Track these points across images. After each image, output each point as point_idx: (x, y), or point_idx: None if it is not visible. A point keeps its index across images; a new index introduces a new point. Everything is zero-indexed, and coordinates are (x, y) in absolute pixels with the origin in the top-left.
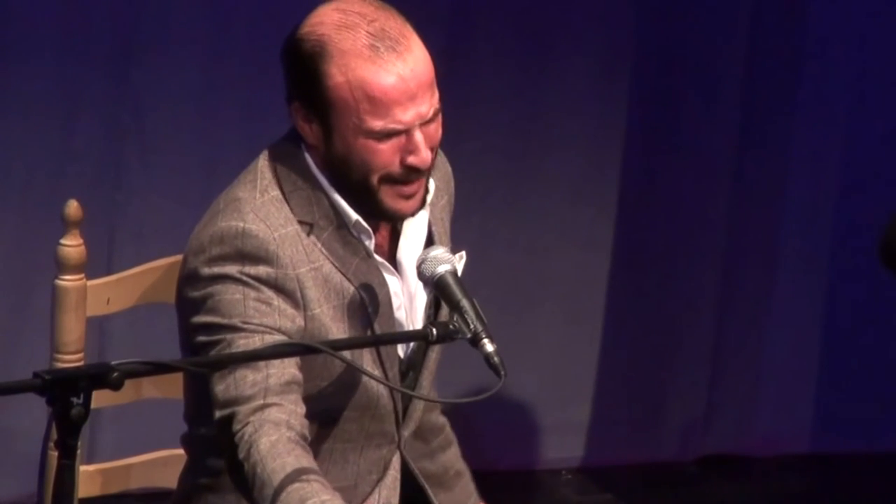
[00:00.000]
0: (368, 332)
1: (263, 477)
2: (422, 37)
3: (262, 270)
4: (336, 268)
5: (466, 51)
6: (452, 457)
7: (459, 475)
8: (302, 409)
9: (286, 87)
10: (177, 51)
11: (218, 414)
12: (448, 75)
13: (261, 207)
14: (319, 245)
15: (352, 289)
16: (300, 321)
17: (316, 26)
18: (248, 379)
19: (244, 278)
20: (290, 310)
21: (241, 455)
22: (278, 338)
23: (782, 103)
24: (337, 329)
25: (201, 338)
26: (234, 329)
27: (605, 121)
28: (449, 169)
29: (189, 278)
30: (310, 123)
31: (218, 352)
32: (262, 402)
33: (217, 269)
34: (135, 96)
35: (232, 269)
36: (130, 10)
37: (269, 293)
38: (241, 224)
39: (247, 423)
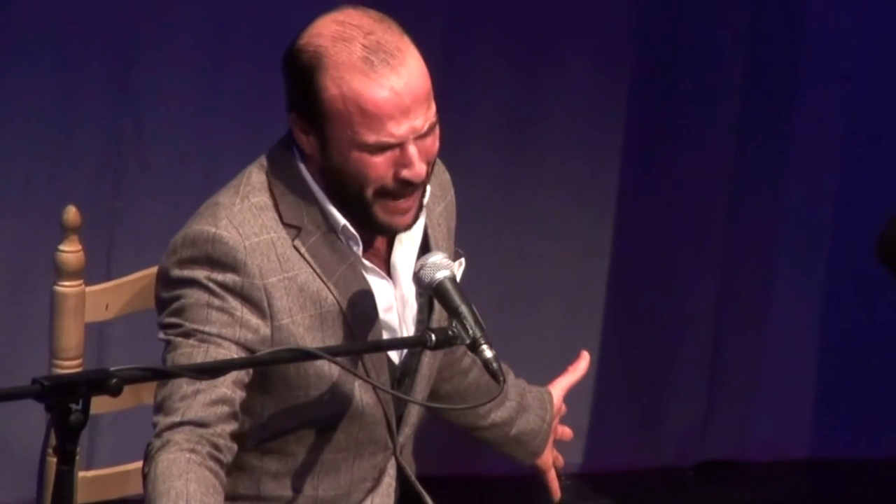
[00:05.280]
0: (349, 341)
1: (152, 497)
2: (420, 39)
3: (229, 278)
4: (317, 275)
5: (465, 54)
6: (512, 398)
7: (522, 399)
8: (225, 428)
9: (286, 96)
10: (176, 58)
11: (152, 417)
12: (446, 79)
13: (237, 214)
14: (303, 251)
15: (331, 297)
16: (265, 331)
17: (314, 37)
18: (181, 390)
19: (210, 285)
20: (254, 320)
21: (145, 470)
22: (225, 351)
23: (780, 106)
24: (312, 338)
25: (161, 335)
26: (186, 334)
27: (604, 123)
28: (447, 177)
29: (160, 277)
30: (307, 135)
31: (167, 353)
32: (179, 418)
33: (186, 272)
34: (134, 103)
35: (200, 273)
36: (130, 17)
37: (233, 302)
38: (213, 229)
39: (159, 436)
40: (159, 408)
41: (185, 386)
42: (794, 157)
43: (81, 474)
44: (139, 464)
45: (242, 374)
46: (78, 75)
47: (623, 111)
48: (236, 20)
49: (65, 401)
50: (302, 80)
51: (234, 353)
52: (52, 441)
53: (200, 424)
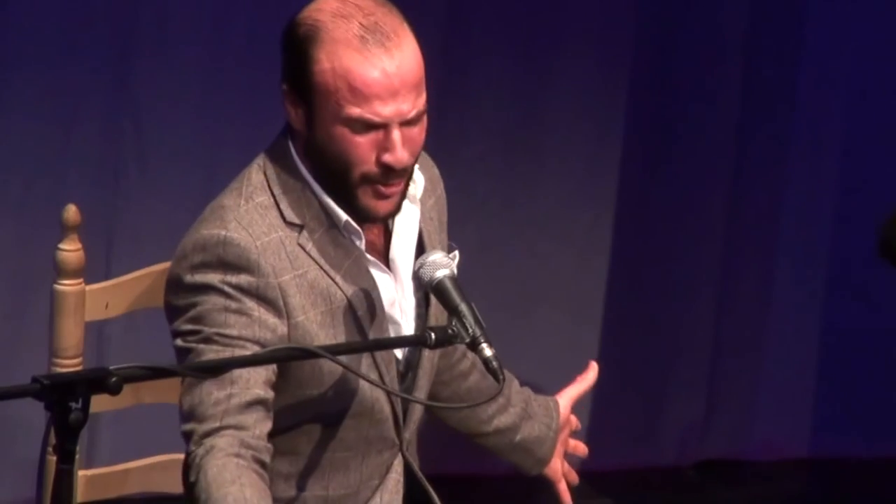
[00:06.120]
0: (360, 337)
1: (212, 502)
2: (419, 39)
3: (243, 279)
4: (324, 272)
5: (464, 54)
6: (516, 404)
7: (527, 406)
8: (263, 430)
9: (281, 68)
10: (176, 55)
11: (181, 426)
12: (446, 79)
13: (244, 215)
14: (309, 248)
15: (339, 293)
16: (283, 330)
17: (314, 12)
18: (211, 396)
19: (226, 288)
20: (271, 319)
21: (192, 478)
22: (250, 353)
23: (781, 104)
24: (325, 335)
25: (179, 342)
26: (208, 340)
27: (604, 123)
28: (436, 171)
29: (172, 284)
30: (296, 107)
31: (190, 360)
32: (218, 424)
33: (199, 278)
34: (134, 101)
35: (214, 278)
36: (129, 15)
37: (250, 303)
38: (224, 232)
39: (200, 444)
40: (191, 415)
41: (214, 391)
42: (794, 157)
43: (81, 473)
44: (139, 462)
45: (270, 374)
46: (78, 74)
47: (623, 111)
48: (236, 19)
49: (64, 399)
50: (297, 52)
51: None
52: (52, 440)
53: (240, 428)
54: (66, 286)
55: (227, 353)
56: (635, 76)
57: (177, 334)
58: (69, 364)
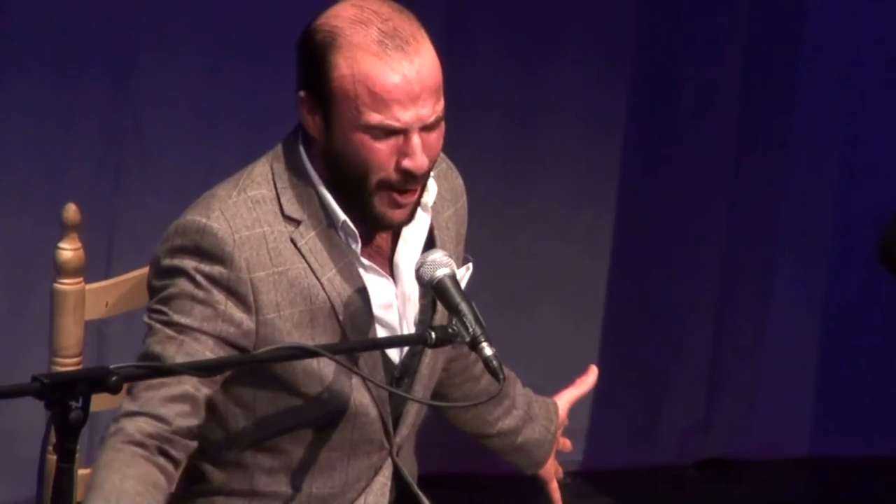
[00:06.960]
0: (340, 339)
1: (91, 486)
2: None
3: (216, 270)
4: (310, 271)
5: (464, 53)
6: (519, 406)
7: (529, 408)
8: (183, 424)
9: (297, 75)
10: (176, 55)
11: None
12: (446, 79)
13: (230, 207)
14: (301, 244)
15: (322, 294)
16: (249, 325)
17: (331, 18)
18: (146, 381)
19: (197, 276)
20: (237, 314)
21: (99, 454)
22: (200, 346)
23: (781, 104)
24: (300, 335)
25: (145, 318)
26: (167, 324)
27: (604, 123)
28: (460, 182)
29: (152, 264)
30: (313, 115)
31: (145, 338)
32: (137, 408)
33: (176, 261)
34: (134, 100)
35: (188, 263)
36: (130, 14)
37: (218, 295)
38: (204, 220)
39: (116, 422)
40: (129, 390)
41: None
42: (794, 158)
43: (81, 472)
44: None
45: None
46: (78, 73)
47: (623, 111)
48: (236, 18)
49: (65, 398)
50: (314, 58)
51: (210, 347)
52: (53, 439)
53: (156, 418)
54: (66, 285)
55: (177, 340)
56: (636, 76)
57: (147, 311)
58: (69, 363)
